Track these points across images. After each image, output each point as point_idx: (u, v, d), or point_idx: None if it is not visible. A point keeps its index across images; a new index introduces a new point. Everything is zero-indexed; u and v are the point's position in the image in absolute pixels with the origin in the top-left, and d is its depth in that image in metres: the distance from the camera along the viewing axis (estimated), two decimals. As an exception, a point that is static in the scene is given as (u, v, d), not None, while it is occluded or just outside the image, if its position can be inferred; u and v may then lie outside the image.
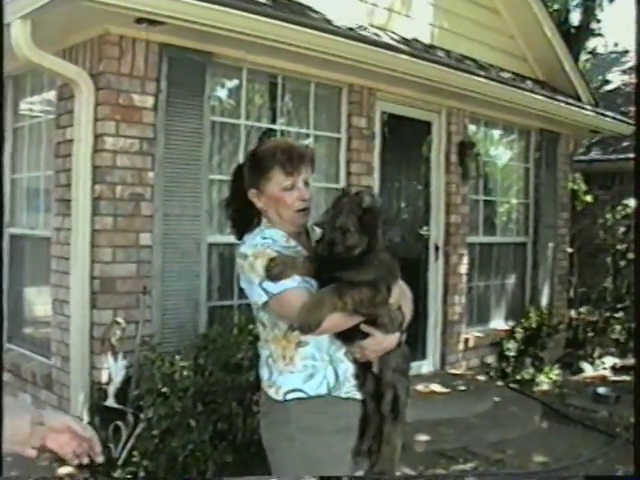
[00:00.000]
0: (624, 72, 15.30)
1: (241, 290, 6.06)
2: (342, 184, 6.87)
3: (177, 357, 4.89)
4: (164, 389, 4.66)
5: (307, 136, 6.81)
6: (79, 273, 5.37)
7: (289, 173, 2.88)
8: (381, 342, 2.88)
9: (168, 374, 4.72)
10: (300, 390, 2.87)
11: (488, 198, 9.01)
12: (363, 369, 2.94)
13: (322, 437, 2.87)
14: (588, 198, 11.67)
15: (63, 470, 5.09)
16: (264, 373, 2.96)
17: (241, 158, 6.11)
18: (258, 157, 2.99)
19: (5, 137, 6.10)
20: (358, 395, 2.94)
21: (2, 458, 2.82)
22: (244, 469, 4.29)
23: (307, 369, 2.89)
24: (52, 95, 6.11)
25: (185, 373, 4.63)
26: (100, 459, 1.82)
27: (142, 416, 4.84)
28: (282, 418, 2.88)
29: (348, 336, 2.88)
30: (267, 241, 2.86)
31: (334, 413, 2.90)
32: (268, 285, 2.77)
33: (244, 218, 3.06)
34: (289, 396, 2.86)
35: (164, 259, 5.51)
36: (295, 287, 2.78)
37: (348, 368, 2.92)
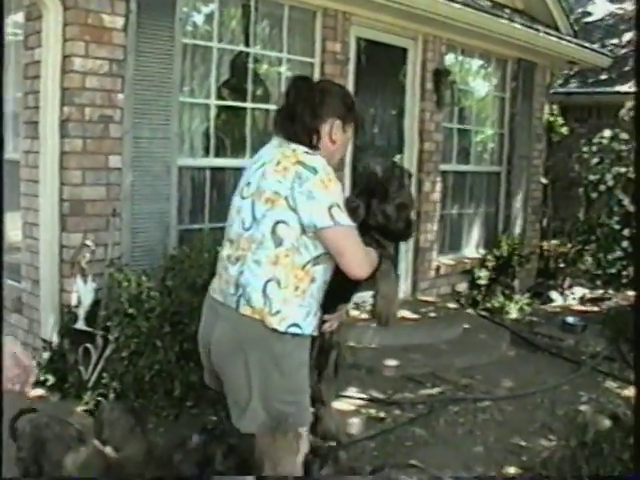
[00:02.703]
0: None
1: (212, 213, 6.04)
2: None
3: (144, 278, 4.90)
4: (131, 310, 4.67)
5: (280, 60, 6.74)
6: (48, 196, 5.33)
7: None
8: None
9: (135, 295, 4.73)
10: (299, 326, 2.92)
11: (463, 127, 9.01)
12: None
13: (305, 370, 3.00)
14: (564, 130, 11.67)
15: (34, 392, 5.11)
16: (257, 299, 2.87)
17: (213, 81, 6.08)
18: (352, 103, 3.21)
19: None
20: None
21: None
22: (209, 388, 4.32)
23: (309, 306, 2.95)
24: (20, 16, 5.97)
25: (152, 294, 4.64)
26: (29, 390, 1.83)
27: (111, 338, 4.86)
28: (277, 351, 2.88)
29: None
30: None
31: (308, 348, 3.04)
32: (338, 213, 2.84)
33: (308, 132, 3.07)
34: (291, 330, 2.89)
35: (134, 182, 5.48)
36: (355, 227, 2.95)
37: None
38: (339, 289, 3.10)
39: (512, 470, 4.59)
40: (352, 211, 3.08)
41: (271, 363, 2.89)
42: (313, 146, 3.02)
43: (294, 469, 3.00)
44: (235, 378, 2.96)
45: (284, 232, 2.85)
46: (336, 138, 3.09)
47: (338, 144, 3.12)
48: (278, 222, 2.85)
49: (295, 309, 2.89)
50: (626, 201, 7.81)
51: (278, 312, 2.85)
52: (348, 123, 3.14)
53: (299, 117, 3.02)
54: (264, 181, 2.91)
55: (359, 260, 2.93)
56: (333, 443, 3.38)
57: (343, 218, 2.86)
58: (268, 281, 2.86)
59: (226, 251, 3.04)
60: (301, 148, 2.95)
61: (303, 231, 2.86)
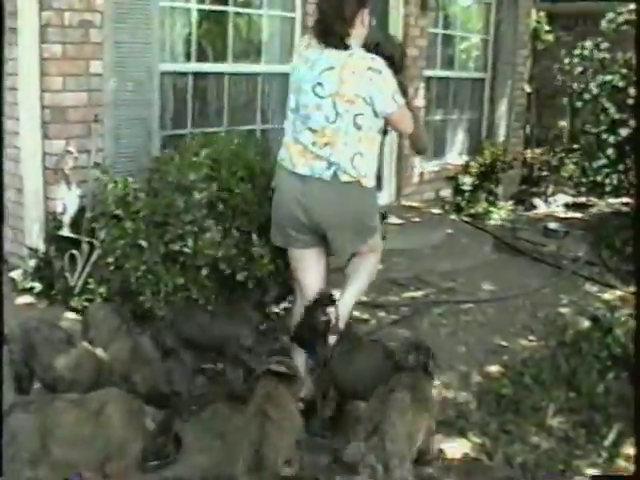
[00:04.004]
0: None
1: (194, 118, 6.03)
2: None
3: (130, 179, 4.92)
4: (117, 212, 4.68)
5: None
6: (29, 103, 5.26)
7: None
8: None
9: (121, 197, 4.72)
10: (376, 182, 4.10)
11: (447, 32, 8.90)
12: None
13: None
14: (550, 38, 11.53)
15: (22, 299, 5.16)
16: (350, 169, 3.84)
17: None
18: None
19: None
20: None
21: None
22: (196, 289, 4.38)
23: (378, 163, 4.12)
24: None
25: (138, 195, 4.62)
26: None
27: (96, 242, 4.87)
28: (368, 196, 4.03)
29: None
30: None
31: None
32: (398, 97, 3.86)
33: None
34: (373, 183, 4.02)
35: (115, 87, 5.41)
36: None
37: None
38: None
39: (493, 369, 4.72)
40: None
41: (365, 203, 4.04)
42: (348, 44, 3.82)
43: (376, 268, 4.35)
44: (342, 221, 3.94)
45: (362, 120, 3.80)
46: (365, 22, 3.90)
47: (366, 24, 3.91)
48: (357, 115, 3.78)
49: (374, 171, 4.01)
50: (612, 109, 7.76)
51: (366, 175, 3.91)
52: (368, 4, 3.90)
53: (332, 31, 3.80)
54: (343, 86, 3.75)
55: (410, 123, 4.08)
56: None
57: (400, 99, 3.88)
58: (355, 155, 3.83)
59: (310, 138, 3.86)
60: (364, 55, 3.82)
61: (375, 115, 3.83)
